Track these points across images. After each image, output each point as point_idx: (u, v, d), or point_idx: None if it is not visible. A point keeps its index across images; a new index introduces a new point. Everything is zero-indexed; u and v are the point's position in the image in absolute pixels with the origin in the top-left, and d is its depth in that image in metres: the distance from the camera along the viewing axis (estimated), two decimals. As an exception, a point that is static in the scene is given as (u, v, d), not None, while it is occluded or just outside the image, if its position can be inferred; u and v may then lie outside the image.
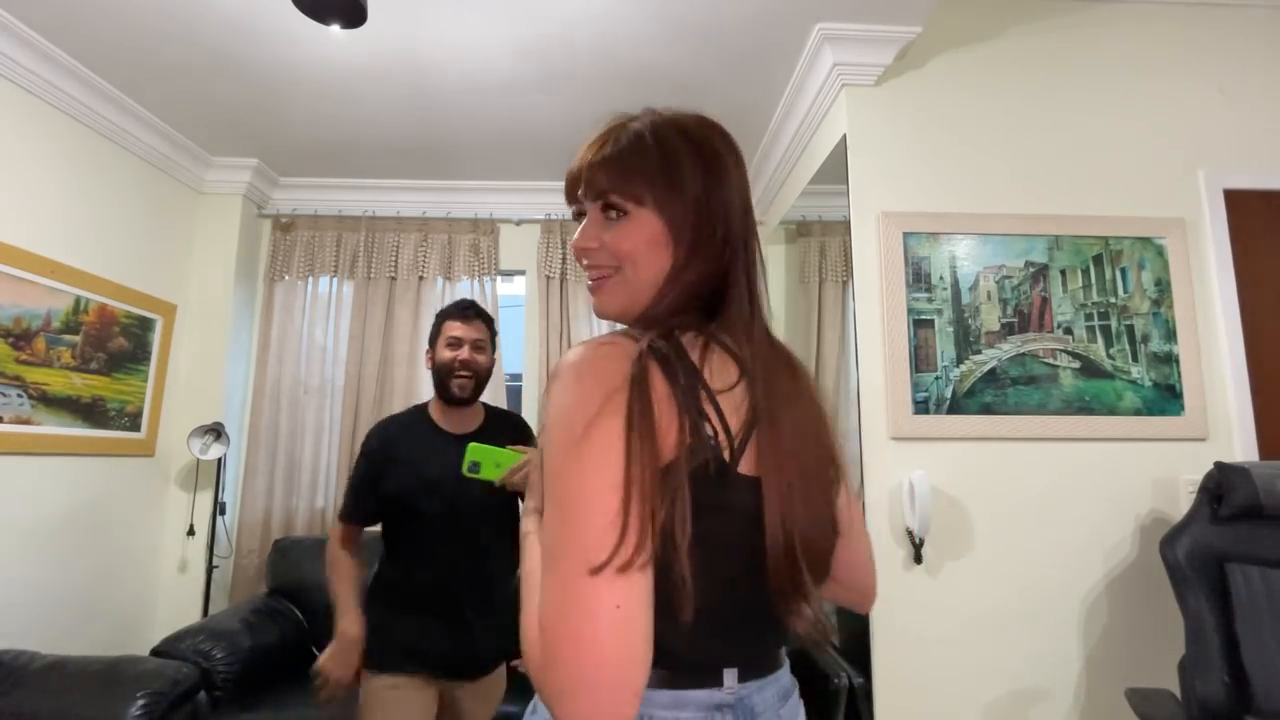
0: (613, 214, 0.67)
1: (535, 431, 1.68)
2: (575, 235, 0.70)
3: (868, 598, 0.82)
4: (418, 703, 1.51)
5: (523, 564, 0.65)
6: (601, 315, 0.72)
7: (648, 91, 2.30)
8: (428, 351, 1.67)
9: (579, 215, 0.72)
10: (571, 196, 0.72)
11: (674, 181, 0.66)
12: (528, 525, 0.70)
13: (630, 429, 0.54)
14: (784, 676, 0.72)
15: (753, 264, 0.69)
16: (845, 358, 2.13)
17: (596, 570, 0.49)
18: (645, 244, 0.66)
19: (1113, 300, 1.93)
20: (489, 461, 1.37)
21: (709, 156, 0.68)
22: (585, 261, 0.69)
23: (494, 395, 2.95)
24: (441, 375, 1.60)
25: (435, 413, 1.66)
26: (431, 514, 1.54)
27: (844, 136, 2.00)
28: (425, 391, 2.97)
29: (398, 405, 2.90)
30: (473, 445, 1.38)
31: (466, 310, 1.65)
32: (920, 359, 1.88)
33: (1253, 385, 1.91)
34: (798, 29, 1.98)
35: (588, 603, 0.49)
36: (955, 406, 1.87)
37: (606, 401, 0.54)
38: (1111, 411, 1.88)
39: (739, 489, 0.59)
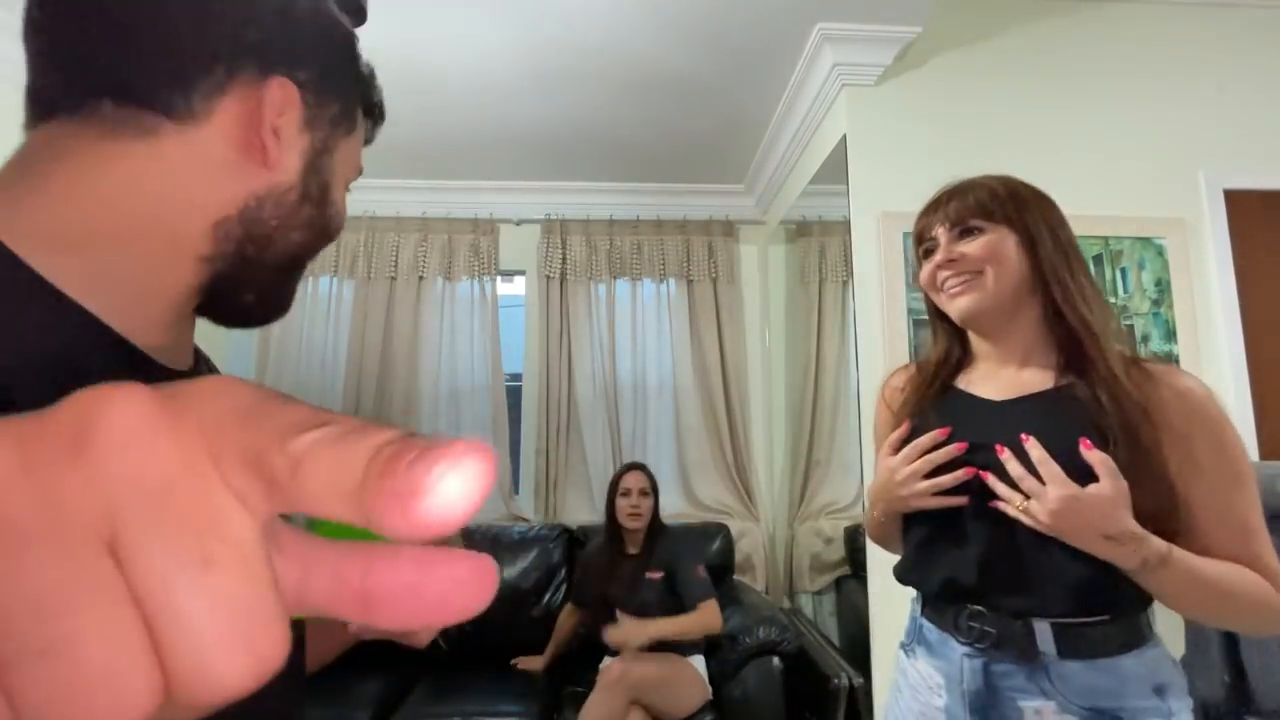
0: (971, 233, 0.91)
1: None
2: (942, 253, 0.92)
3: None
4: None
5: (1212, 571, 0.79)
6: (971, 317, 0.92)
7: (648, 91, 2.30)
8: None
9: (928, 253, 0.95)
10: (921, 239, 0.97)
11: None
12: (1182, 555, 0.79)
13: None
14: None
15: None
16: (845, 358, 2.13)
17: None
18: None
19: (1113, 300, 1.93)
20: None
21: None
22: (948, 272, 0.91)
23: (494, 397, 2.97)
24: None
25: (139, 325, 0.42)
26: None
27: (844, 136, 2.00)
28: (426, 393, 2.97)
29: (397, 406, 2.90)
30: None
31: None
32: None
33: (1253, 385, 1.91)
34: (798, 29, 1.98)
35: None
36: (955, 406, 1.86)
37: None
38: (1111, 411, 1.88)
39: None
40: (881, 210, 1.94)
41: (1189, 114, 2.04)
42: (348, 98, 0.50)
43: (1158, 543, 0.76)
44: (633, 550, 2.25)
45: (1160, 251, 1.95)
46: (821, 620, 2.37)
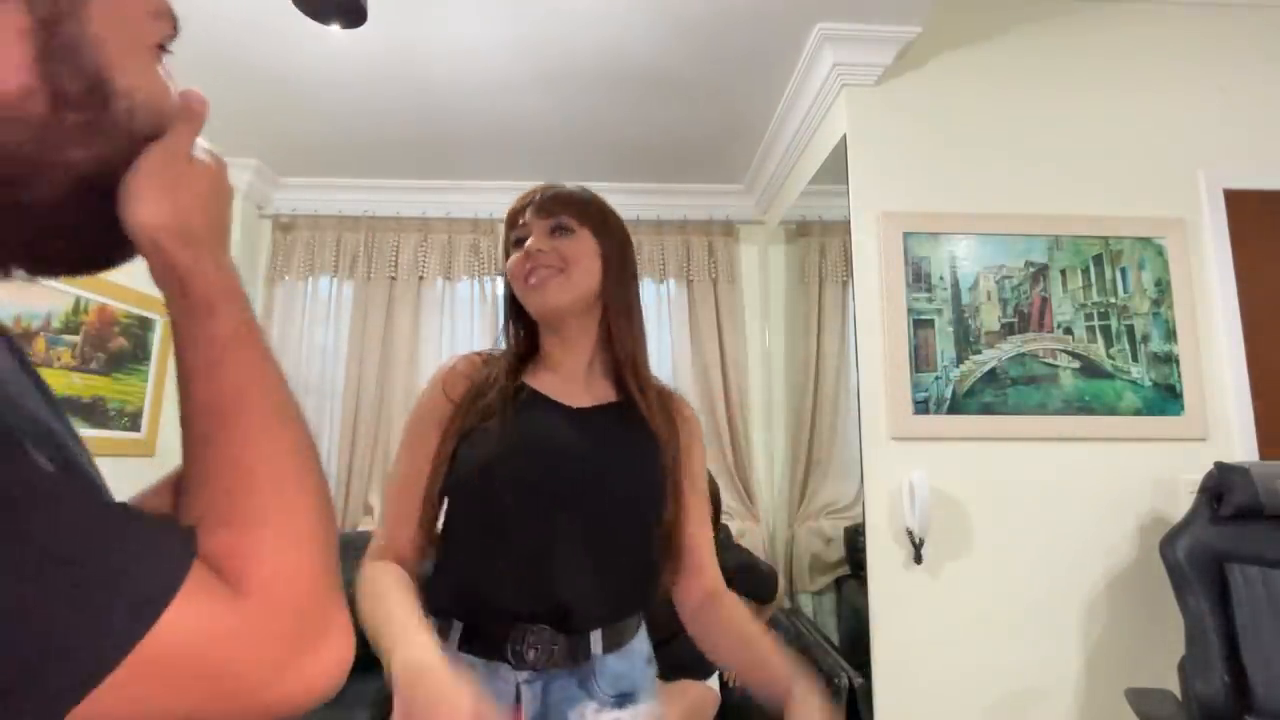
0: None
1: None
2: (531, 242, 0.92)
3: None
4: None
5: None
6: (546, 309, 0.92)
7: (647, 91, 2.30)
8: None
9: (518, 242, 0.93)
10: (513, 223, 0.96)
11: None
12: None
13: None
14: None
15: None
16: (845, 358, 2.13)
17: None
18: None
19: (1113, 300, 1.93)
20: None
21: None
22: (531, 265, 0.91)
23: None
24: None
25: None
26: None
27: (844, 136, 2.00)
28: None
29: (398, 406, 2.90)
30: None
31: None
32: (920, 359, 1.88)
33: (1253, 385, 1.90)
34: (798, 29, 1.98)
35: None
36: (955, 406, 1.87)
37: None
38: (1111, 411, 1.88)
39: None
40: (881, 210, 1.94)
41: (1189, 114, 2.04)
42: None
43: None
44: None
45: (1160, 251, 1.95)
46: (821, 620, 2.37)
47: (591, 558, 0.85)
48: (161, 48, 0.37)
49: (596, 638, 0.84)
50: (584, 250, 0.92)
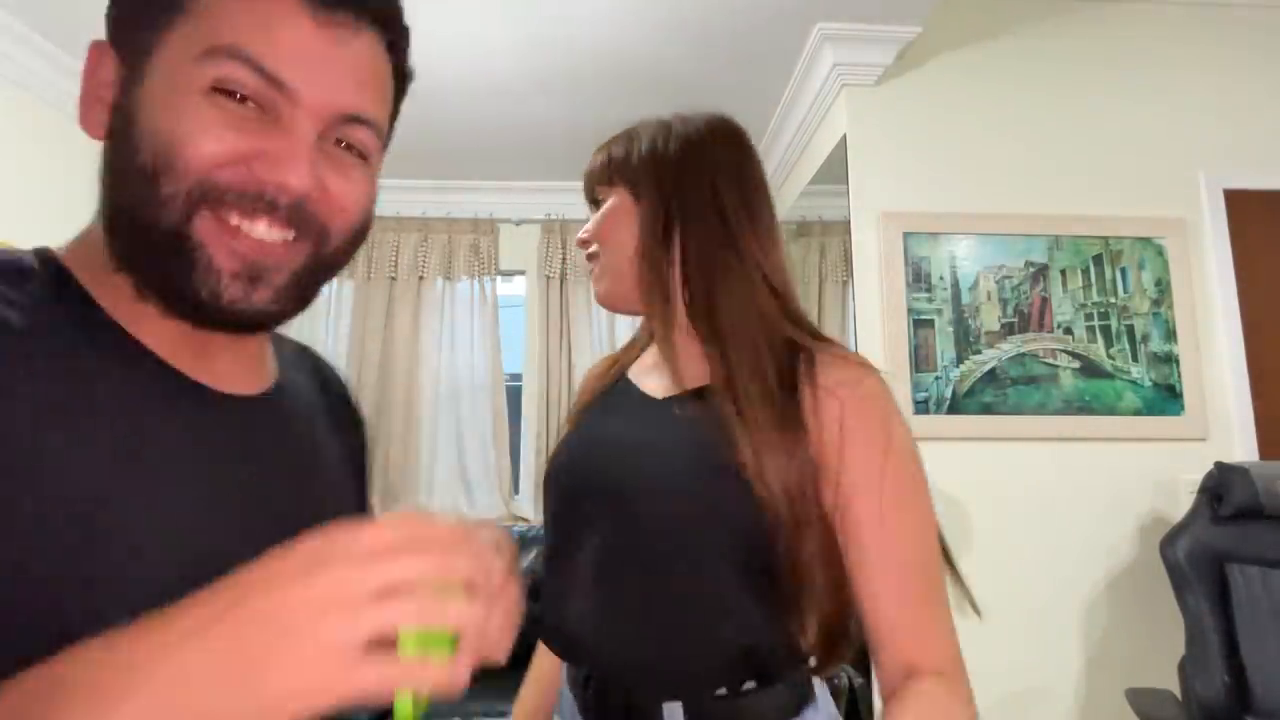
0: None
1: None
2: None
3: None
4: None
5: None
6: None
7: (647, 91, 2.30)
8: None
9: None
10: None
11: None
12: None
13: None
14: None
15: None
16: (845, 358, 2.13)
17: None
18: None
19: (1113, 300, 1.93)
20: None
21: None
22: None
23: (494, 397, 2.96)
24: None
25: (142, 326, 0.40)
26: None
27: (844, 136, 2.00)
28: (426, 393, 2.97)
29: (397, 406, 2.89)
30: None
31: None
32: (920, 359, 1.88)
33: (1253, 385, 1.90)
34: (798, 29, 1.98)
35: None
36: (955, 406, 1.87)
37: None
38: (1111, 411, 1.88)
39: None
40: (881, 210, 1.94)
41: (1189, 114, 2.04)
42: None
43: None
44: None
45: (1160, 251, 1.95)
46: (821, 620, 2.36)
47: (619, 596, 0.64)
48: (220, 89, 0.36)
49: (674, 712, 0.61)
50: (615, 216, 0.72)
